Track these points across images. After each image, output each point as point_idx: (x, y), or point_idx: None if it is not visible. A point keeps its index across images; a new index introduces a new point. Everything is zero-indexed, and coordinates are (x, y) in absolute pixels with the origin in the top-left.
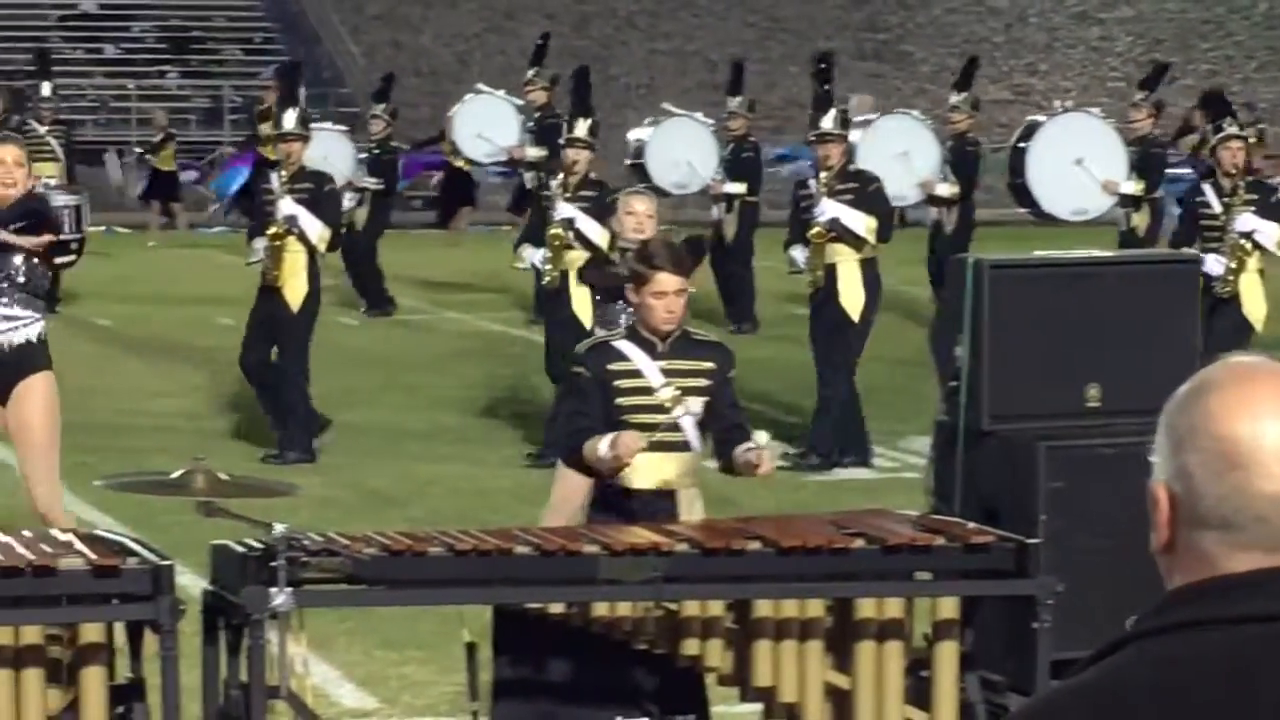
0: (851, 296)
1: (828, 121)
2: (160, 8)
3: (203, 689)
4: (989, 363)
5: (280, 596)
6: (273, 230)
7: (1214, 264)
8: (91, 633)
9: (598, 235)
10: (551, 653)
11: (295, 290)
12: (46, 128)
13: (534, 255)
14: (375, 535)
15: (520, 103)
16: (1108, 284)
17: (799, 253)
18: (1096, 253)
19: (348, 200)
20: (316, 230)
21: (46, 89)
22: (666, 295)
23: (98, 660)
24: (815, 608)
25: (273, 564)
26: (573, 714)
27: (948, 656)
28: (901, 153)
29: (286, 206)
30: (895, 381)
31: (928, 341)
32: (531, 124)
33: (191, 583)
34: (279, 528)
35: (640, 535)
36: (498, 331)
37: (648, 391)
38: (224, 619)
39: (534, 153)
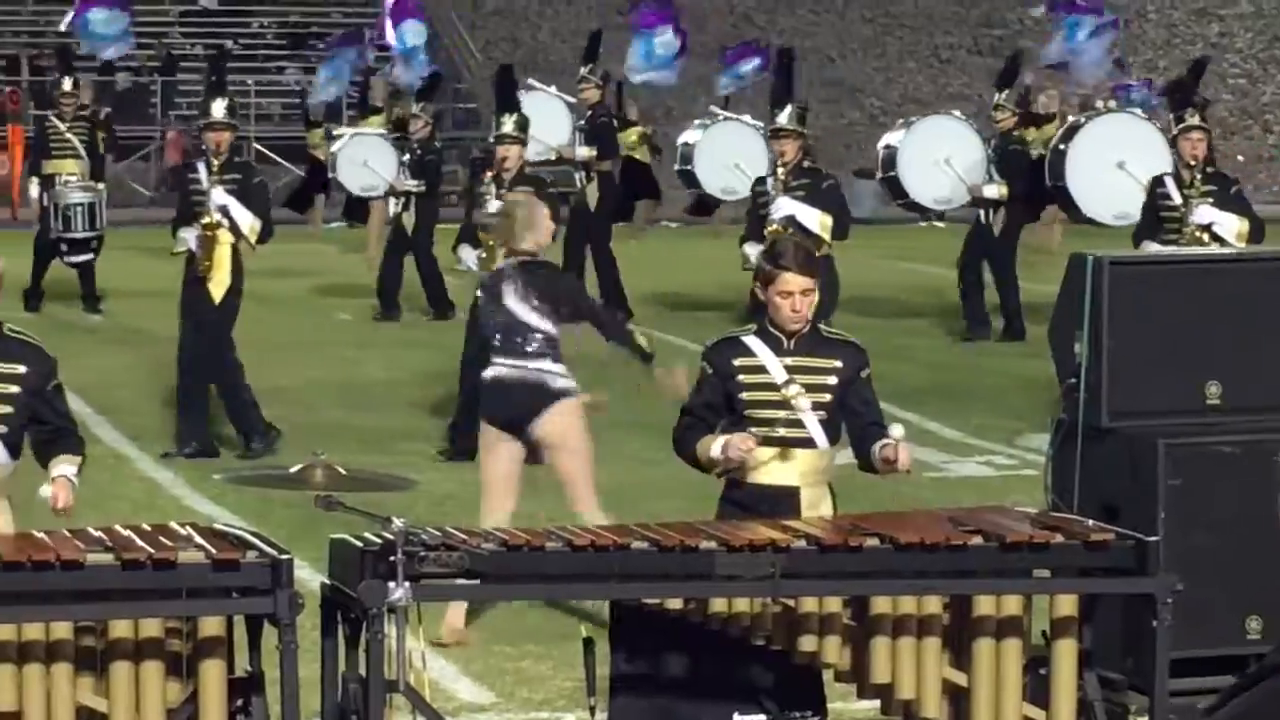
0: None
1: (784, 117)
2: (279, 4)
3: (321, 682)
4: (1108, 360)
5: (398, 591)
6: (206, 220)
7: None
8: (211, 626)
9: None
10: (668, 648)
11: (219, 283)
12: (68, 124)
13: (469, 256)
14: (493, 530)
15: (572, 100)
16: (1228, 281)
17: (753, 249)
18: (1217, 250)
19: (392, 205)
20: (248, 221)
21: (68, 84)
22: (792, 295)
23: (217, 653)
24: (933, 604)
25: (391, 558)
26: (689, 709)
27: (1066, 654)
28: (944, 158)
29: (218, 196)
30: (1021, 377)
31: (1047, 338)
32: (582, 123)
33: (309, 577)
34: (397, 522)
35: (758, 531)
36: None
37: (771, 388)
38: (342, 613)
39: (584, 152)
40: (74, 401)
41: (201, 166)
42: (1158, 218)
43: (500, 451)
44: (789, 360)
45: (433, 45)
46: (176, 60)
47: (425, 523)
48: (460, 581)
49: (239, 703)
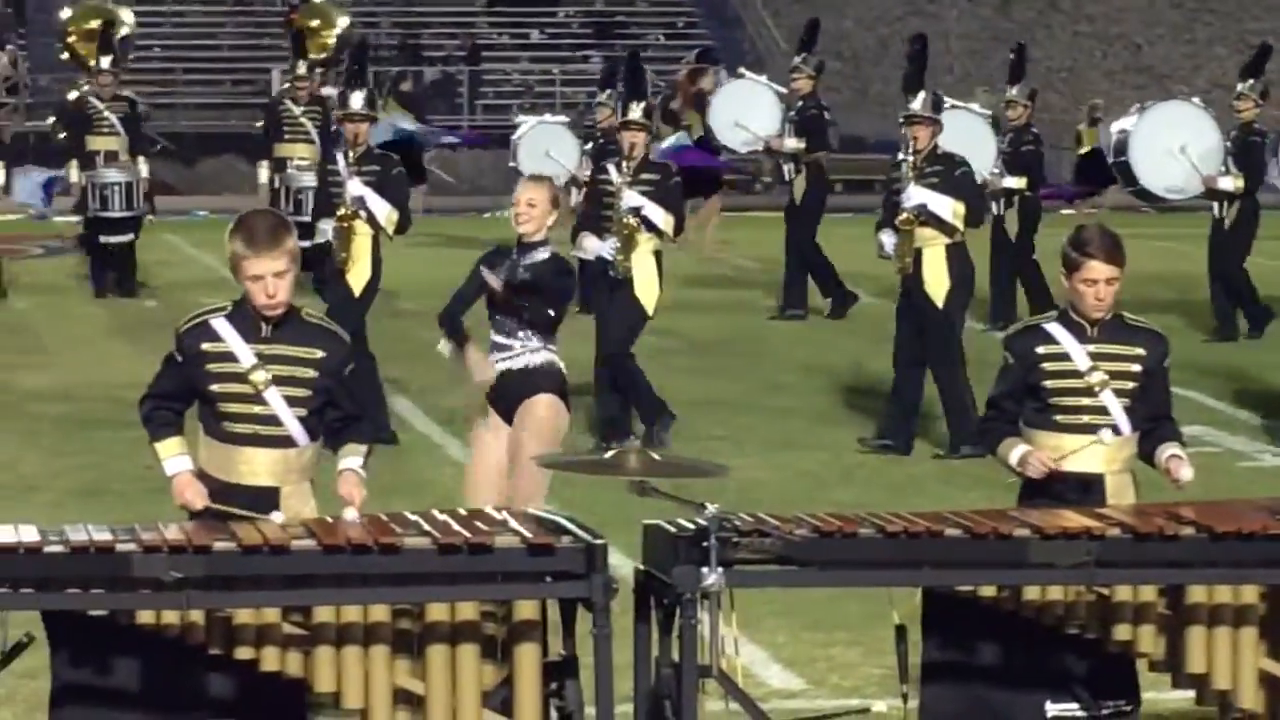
0: (937, 283)
1: (917, 103)
2: None
3: (633, 667)
4: None
5: (711, 576)
6: (341, 212)
7: None
8: (526, 610)
9: (663, 221)
10: (981, 636)
11: (358, 274)
12: (302, 109)
13: (599, 246)
14: (806, 516)
15: (783, 90)
16: None
17: (888, 238)
18: None
19: (574, 196)
20: (384, 212)
21: (302, 68)
22: (1097, 283)
23: (532, 637)
24: (1250, 594)
25: (704, 544)
26: (1002, 698)
27: None
28: (1179, 146)
29: (354, 188)
30: None
31: None
32: (793, 113)
33: (620, 562)
34: (711, 508)
35: (1072, 519)
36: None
37: (1075, 375)
38: (656, 598)
39: (792, 144)
40: (386, 387)
41: (340, 158)
42: None
43: (489, 442)
44: (1092, 347)
45: (736, 33)
46: (480, 50)
47: (735, 509)
48: (773, 567)
49: (553, 686)
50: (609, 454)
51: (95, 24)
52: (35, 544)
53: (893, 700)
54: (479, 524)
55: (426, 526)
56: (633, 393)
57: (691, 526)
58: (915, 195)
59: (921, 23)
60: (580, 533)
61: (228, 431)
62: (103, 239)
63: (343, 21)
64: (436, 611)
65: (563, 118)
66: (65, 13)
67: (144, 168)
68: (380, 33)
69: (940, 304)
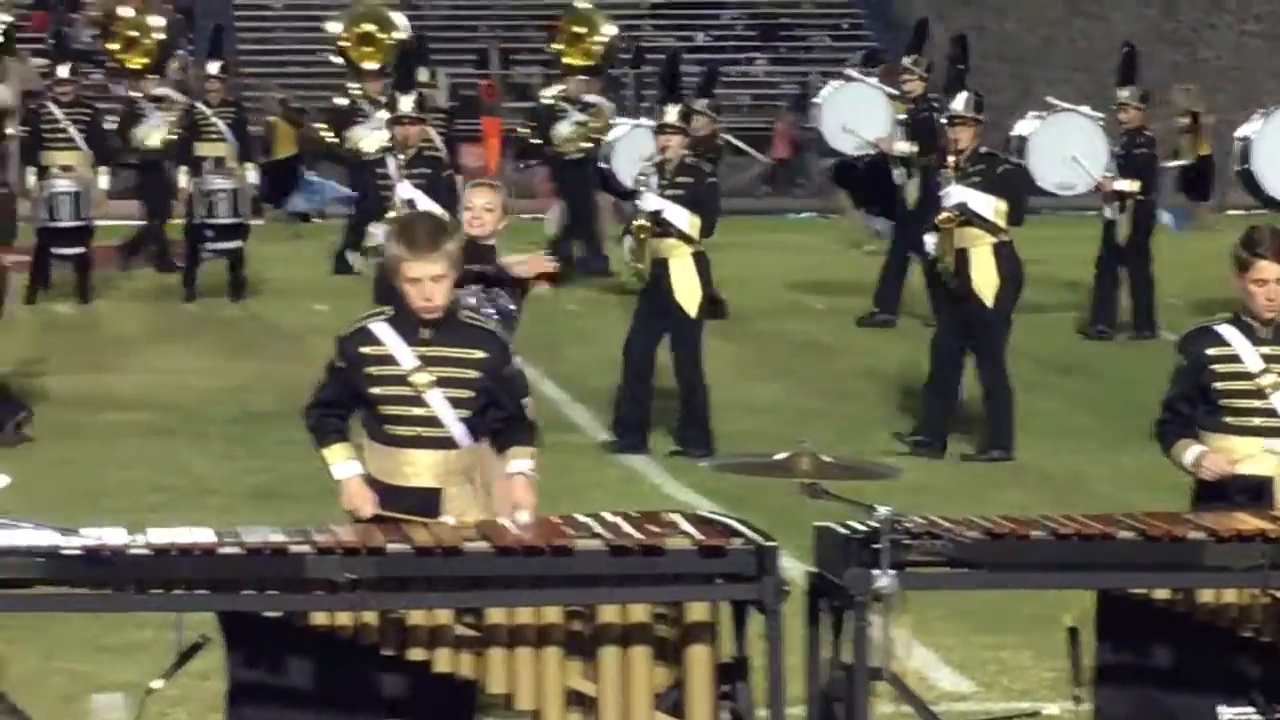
0: (985, 282)
1: (959, 104)
2: None
3: (805, 669)
4: None
5: (883, 579)
6: (393, 215)
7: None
8: (697, 612)
9: (686, 223)
10: (1155, 638)
11: None
12: (214, 109)
13: (626, 248)
14: (978, 519)
15: (894, 92)
16: None
17: (930, 238)
18: None
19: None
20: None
21: (214, 68)
22: (1267, 283)
23: (703, 639)
24: None
25: (876, 546)
26: (1175, 701)
27: None
28: None
29: (405, 190)
30: None
31: None
32: (904, 116)
33: (790, 564)
34: (882, 510)
35: (1246, 522)
36: None
37: (1246, 377)
38: (827, 600)
39: (903, 147)
40: (551, 390)
41: (390, 161)
42: None
43: None
44: (1265, 349)
45: (900, 35)
46: (644, 53)
47: (905, 511)
48: (944, 569)
49: (724, 688)
50: (780, 456)
51: (370, 28)
52: (210, 546)
53: (1064, 703)
54: (650, 526)
55: (598, 529)
56: (641, 391)
57: (863, 529)
58: (955, 194)
59: (1086, 23)
60: (752, 535)
61: (390, 434)
62: (207, 246)
63: (609, 29)
64: (608, 613)
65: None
66: (335, 26)
67: (251, 174)
68: (548, 36)
69: (990, 303)
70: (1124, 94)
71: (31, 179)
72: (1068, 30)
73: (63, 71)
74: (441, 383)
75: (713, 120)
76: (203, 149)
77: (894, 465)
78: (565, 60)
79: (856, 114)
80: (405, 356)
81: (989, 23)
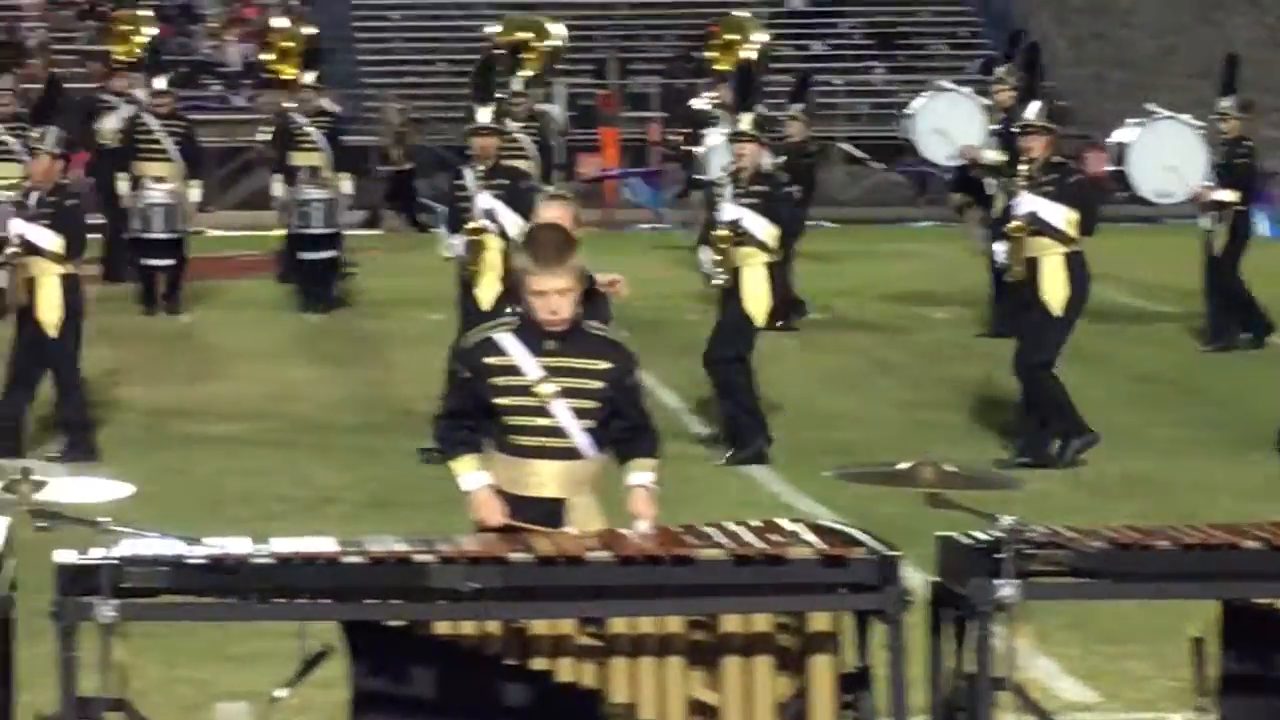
0: (1054, 291)
1: (1031, 113)
2: (868, 3)
3: (927, 679)
4: None
5: (1006, 588)
6: (472, 225)
7: None
8: (820, 621)
9: (764, 232)
10: None
11: (488, 286)
12: (309, 118)
13: (704, 258)
14: (1101, 528)
15: (988, 102)
16: None
17: (1000, 248)
18: None
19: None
20: (517, 224)
21: (309, 78)
22: None
23: (826, 649)
24: None
25: (999, 556)
26: None
27: None
28: None
29: (484, 201)
30: None
31: None
32: (997, 126)
33: (911, 574)
34: (1006, 520)
35: None
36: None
37: None
38: (949, 610)
39: (992, 156)
40: (668, 397)
41: (468, 172)
42: None
43: None
44: None
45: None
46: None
47: (1024, 521)
48: (1068, 579)
49: (847, 698)
50: (904, 466)
51: (524, 36)
52: (334, 555)
53: (1188, 713)
54: (772, 536)
55: (720, 538)
56: (731, 400)
57: (986, 538)
58: (1026, 203)
59: (1208, 31)
60: (875, 544)
61: (515, 445)
62: (302, 255)
63: (760, 37)
64: (731, 623)
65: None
66: (494, 27)
67: (346, 184)
68: (663, 45)
69: (1058, 311)
70: (1225, 103)
71: (124, 186)
72: (1189, 38)
73: (159, 84)
74: (566, 393)
75: (806, 125)
76: (297, 158)
77: (1015, 476)
78: (716, 67)
79: (950, 124)
80: (530, 367)
81: (1110, 30)
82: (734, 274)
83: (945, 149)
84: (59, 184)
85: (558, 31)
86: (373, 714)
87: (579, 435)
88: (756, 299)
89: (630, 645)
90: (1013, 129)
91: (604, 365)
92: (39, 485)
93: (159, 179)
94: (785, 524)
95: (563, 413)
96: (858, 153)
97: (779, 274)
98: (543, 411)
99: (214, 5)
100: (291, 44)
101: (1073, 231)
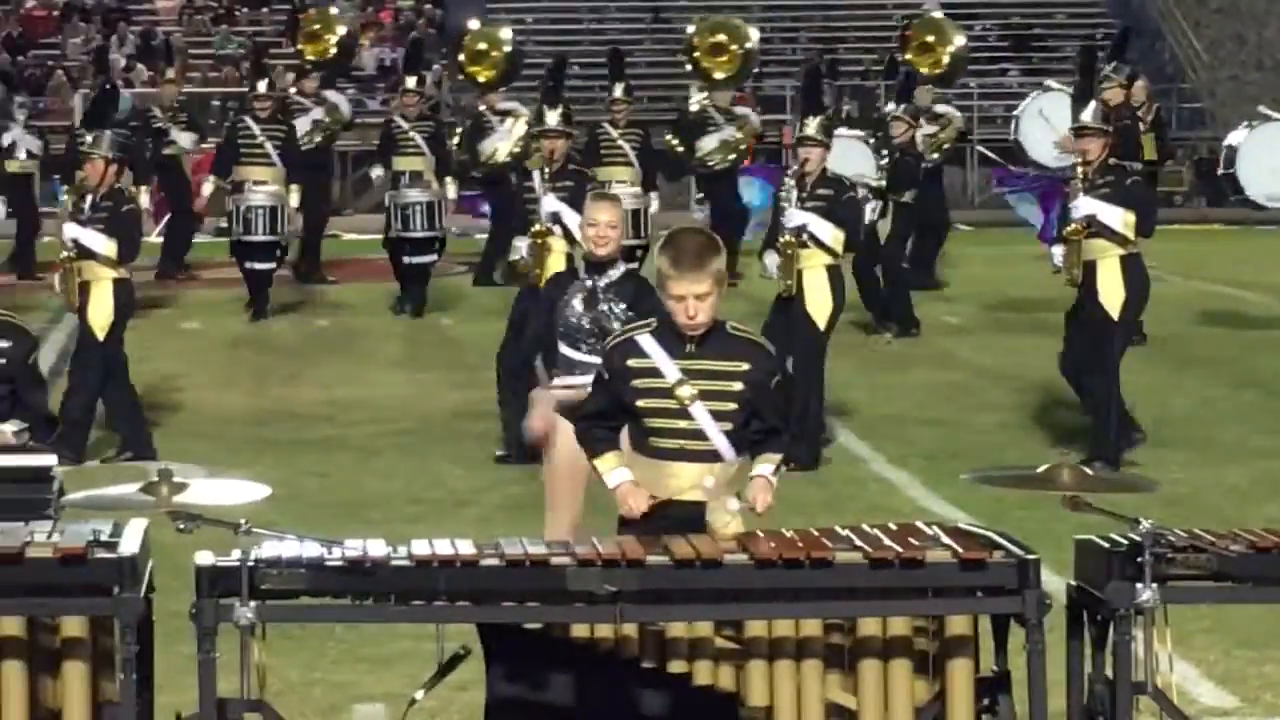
0: (1111, 293)
1: (1087, 115)
2: (1003, 6)
3: (1066, 683)
4: None
5: (1146, 592)
6: (537, 228)
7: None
8: (958, 625)
9: (830, 237)
10: None
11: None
12: (411, 124)
13: (769, 264)
14: (1242, 532)
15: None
16: None
17: (1058, 249)
18: None
19: (869, 211)
20: (576, 223)
21: (411, 82)
22: None
23: (964, 652)
24: None
25: (1139, 559)
26: None
27: None
28: None
29: (550, 204)
30: None
31: None
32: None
33: (1048, 577)
34: (1145, 523)
35: None
36: None
37: None
38: (1088, 614)
39: None
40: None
41: (535, 174)
42: None
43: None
44: None
45: (1156, 44)
46: (897, 64)
47: (1162, 524)
48: (1208, 583)
49: (985, 702)
50: (1042, 469)
51: (721, 38)
52: (471, 557)
53: None
54: (910, 539)
55: (858, 541)
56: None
57: (1124, 542)
58: (1084, 206)
59: None
60: (1013, 548)
61: (655, 447)
62: (404, 259)
63: (960, 39)
64: (868, 626)
65: (860, 133)
66: (690, 27)
67: (451, 189)
68: (797, 47)
69: (1115, 314)
70: None
71: (208, 188)
72: None
73: (261, 87)
74: (704, 395)
75: (910, 126)
76: (400, 163)
77: (1152, 478)
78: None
79: (1059, 122)
80: (669, 369)
81: (1247, 31)
82: (797, 278)
83: (1052, 152)
84: (114, 188)
85: (754, 35)
86: (509, 716)
87: (718, 437)
88: (819, 303)
89: (767, 648)
90: (1118, 127)
91: (744, 367)
92: (179, 487)
93: (260, 182)
94: (923, 527)
95: (702, 415)
96: (992, 155)
97: (840, 278)
98: (683, 414)
99: (349, 9)
100: (486, 45)
101: (1130, 233)
